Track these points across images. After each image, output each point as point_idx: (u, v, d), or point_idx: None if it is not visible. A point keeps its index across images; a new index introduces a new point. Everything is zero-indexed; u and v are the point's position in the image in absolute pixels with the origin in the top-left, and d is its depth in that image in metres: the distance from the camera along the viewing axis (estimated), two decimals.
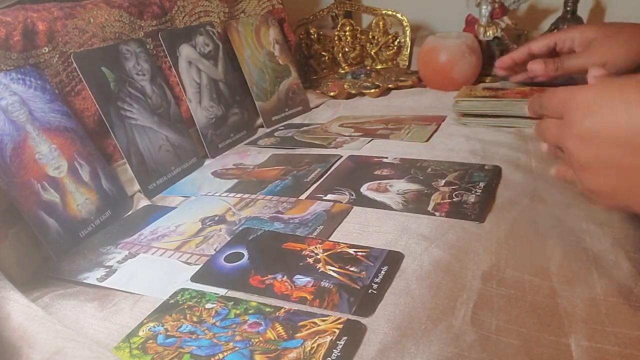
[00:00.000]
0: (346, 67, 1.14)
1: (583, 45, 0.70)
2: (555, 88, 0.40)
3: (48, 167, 0.54)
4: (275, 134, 0.86)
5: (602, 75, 0.43)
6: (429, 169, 0.62)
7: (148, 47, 0.74)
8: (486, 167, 0.61)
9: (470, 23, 1.08)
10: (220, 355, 0.36)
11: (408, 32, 1.11)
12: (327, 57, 1.14)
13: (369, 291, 0.41)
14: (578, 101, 0.36)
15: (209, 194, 0.64)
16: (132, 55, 0.70)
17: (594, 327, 0.35)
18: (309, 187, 0.62)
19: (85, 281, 0.48)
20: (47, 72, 0.59)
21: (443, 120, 0.80)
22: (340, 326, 0.37)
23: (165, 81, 0.75)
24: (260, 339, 0.37)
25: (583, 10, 1.01)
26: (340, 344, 0.36)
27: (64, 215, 0.54)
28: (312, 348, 0.36)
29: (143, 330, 0.40)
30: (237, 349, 0.37)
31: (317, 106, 0.99)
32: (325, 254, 0.47)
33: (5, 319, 0.40)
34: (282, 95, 0.94)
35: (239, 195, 0.62)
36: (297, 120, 0.94)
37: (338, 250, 0.47)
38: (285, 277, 0.44)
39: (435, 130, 0.76)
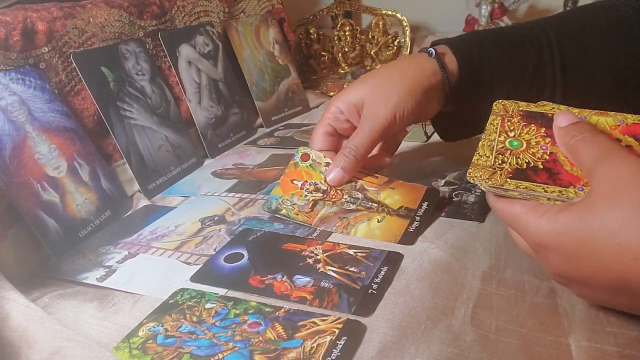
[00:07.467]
0: (346, 67, 1.14)
1: (356, 114, 0.54)
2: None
3: (47, 167, 0.54)
4: (275, 133, 0.86)
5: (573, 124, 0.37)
6: (429, 169, 0.62)
7: (148, 47, 0.74)
8: None
9: (470, 23, 1.08)
10: (220, 355, 0.36)
11: (408, 32, 1.11)
12: (326, 57, 1.14)
13: (369, 291, 0.41)
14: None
15: (208, 194, 0.64)
16: (131, 55, 0.70)
17: (594, 327, 0.35)
18: None
19: (84, 281, 0.48)
20: (46, 72, 0.59)
21: None
22: (340, 326, 0.37)
23: (165, 81, 0.75)
24: (260, 338, 0.37)
25: None
26: (340, 344, 0.36)
27: (64, 215, 0.54)
28: (311, 348, 0.36)
29: (143, 330, 0.40)
30: (236, 349, 0.37)
31: (317, 106, 0.99)
32: (325, 254, 0.47)
33: (5, 319, 0.40)
34: (281, 95, 0.94)
35: (238, 195, 0.62)
36: (296, 120, 0.94)
37: (338, 251, 0.47)
38: (285, 277, 0.44)
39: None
